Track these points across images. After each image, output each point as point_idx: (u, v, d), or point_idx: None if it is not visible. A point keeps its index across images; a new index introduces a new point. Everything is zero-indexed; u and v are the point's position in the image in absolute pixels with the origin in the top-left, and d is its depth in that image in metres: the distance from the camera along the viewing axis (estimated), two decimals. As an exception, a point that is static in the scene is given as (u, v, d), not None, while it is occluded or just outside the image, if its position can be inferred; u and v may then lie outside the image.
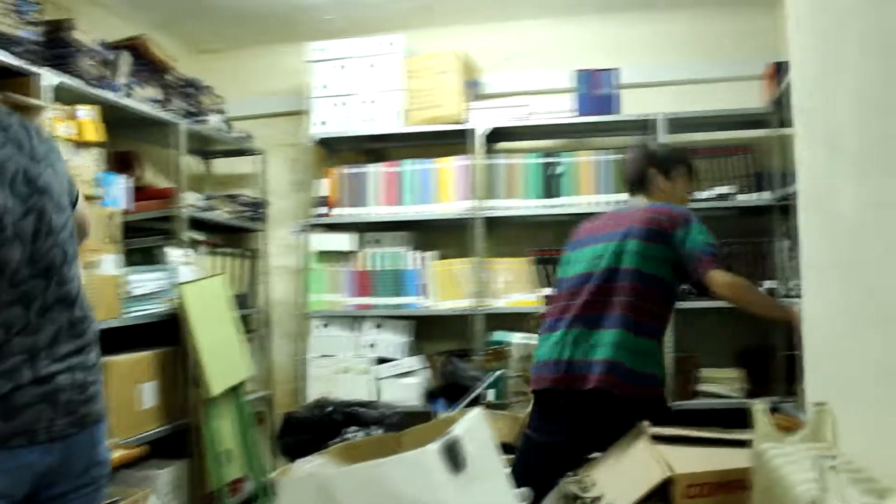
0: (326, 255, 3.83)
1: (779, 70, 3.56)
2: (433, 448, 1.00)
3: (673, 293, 2.43)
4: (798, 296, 3.07)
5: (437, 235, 3.97)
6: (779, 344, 3.38)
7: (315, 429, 2.92)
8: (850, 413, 1.35)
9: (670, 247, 2.34)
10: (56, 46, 2.81)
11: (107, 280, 2.81)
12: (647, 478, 1.62)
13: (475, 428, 1.15)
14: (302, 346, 3.94)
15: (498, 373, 2.53)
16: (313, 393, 3.72)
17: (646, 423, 1.96)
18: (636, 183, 2.64)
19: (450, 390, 3.34)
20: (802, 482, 1.20)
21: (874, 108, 1.20)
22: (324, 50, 3.94)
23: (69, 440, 1.42)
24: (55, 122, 2.63)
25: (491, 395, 2.63)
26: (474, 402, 3.00)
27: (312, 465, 1.11)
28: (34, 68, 2.61)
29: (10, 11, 2.59)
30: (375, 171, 3.85)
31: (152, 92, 3.34)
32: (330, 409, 2.95)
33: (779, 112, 3.39)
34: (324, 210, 3.87)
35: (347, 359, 3.72)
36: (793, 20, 1.67)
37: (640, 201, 2.61)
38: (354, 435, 2.88)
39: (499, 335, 3.07)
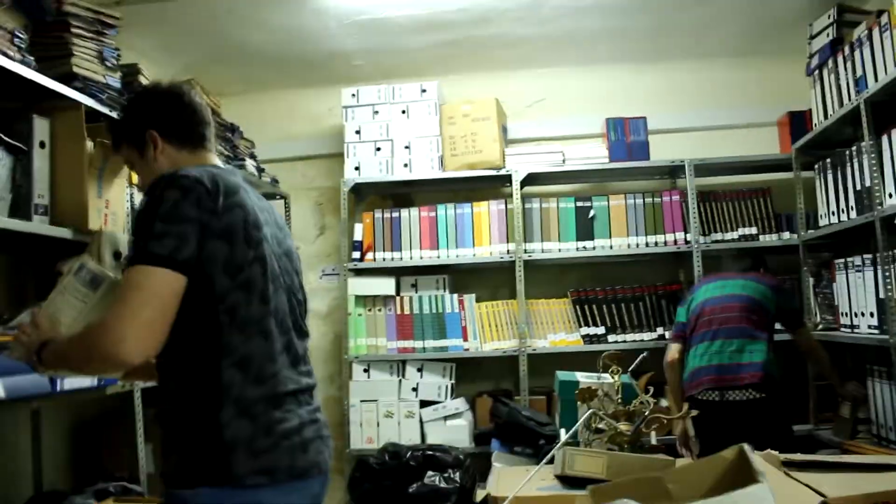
0: (363, 299, 3.82)
1: (793, 118, 3.82)
2: (767, 485, 1.09)
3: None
4: (827, 329, 3.31)
5: (472, 278, 4.03)
6: (808, 374, 3.58)
7: (393, 474, 2.91)
8: None
9: (775, 303, 3.21)
10: (131, 92, 2.76)
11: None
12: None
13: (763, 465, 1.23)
14: (341, 392, 3.92)
15: (590, 412, 2.59)
16: (356, 438, 3.69)
17: (773, 452, 2.06)
18: (753, 267, 3.49)
19: (505, 431, 3.38)
20: None
21: None
22: (355, 96, 3.98)
23: (327, 473, 1.58)
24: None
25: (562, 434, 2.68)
26: (549, 441, 3.06)
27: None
28: (115, 114, 2.56)
29: (94, 58, 2.56)
30: (412, 216, 3.88)
31: (201, 137, 3.31)
32: (407, 454, 2.94)
33: (800, 157, 3.63)
34: (358, 254, 3.87)
35: (391, 403, 3.70)
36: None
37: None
38: (433, 479, 2.87)
39: (564, 375, 3.13)
